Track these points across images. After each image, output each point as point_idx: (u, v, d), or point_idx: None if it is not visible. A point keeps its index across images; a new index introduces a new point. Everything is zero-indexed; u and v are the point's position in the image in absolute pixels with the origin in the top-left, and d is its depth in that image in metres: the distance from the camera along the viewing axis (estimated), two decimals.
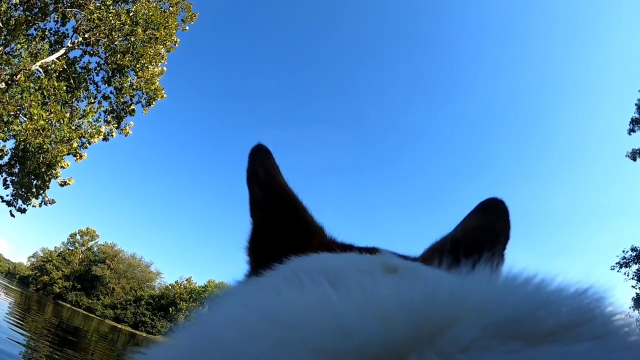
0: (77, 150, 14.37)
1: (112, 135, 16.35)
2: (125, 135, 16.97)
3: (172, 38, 16.83)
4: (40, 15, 14.93)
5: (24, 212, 14.91)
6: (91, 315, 75.14)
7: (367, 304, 0.34)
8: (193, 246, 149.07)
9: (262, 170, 0.82)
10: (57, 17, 15.52)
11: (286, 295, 0.41)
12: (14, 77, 12.37)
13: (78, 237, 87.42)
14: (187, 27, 17.91)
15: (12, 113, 12.14)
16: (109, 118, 16.39)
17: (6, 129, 12.26)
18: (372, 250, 0.71)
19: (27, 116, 12.36)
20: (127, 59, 15.34)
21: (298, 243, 0.73)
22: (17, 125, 12.19)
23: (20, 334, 17.48)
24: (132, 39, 15.13)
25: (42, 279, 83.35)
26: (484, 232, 0.84)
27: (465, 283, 0.38)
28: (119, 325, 73.66)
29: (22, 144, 12.59)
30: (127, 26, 14.86)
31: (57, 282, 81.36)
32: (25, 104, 12.18)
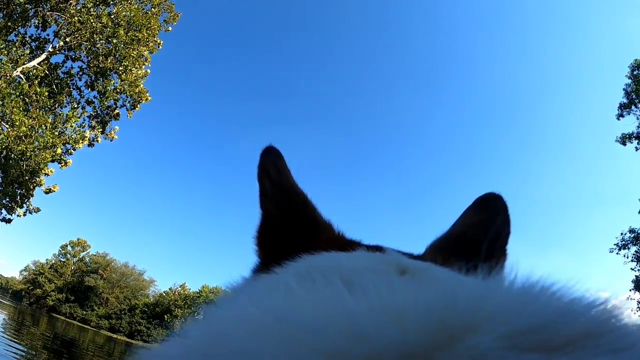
0: (62, 157, 14.12)
1: (97, 141, 16.14)
2: (111, 140, 16.77)
3: (155, 39, 16.64)
4: (20, 20, 14.55)
5: (9, 222, 14.61)
6: (86, 326, 74.61)
7: (383, 306, 0.33)
8: (185, 252, 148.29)
9: (273, 170, 0.82)
10: (38, 22, 15.23)
11: (299, 295, 0.41)
12: None
13: (69, 248, 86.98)
14: (170, 28, 17.75)
15: None
16: (93, 123, 16.13)
17: None
18: (377, 249, 0.71)
19: (9, 123, 12.07)
20: (109, 61, 15.08)
21: (308, 237, 0.74)
22: (5, 140, 11.89)
23: (17, 348, 17.27)
24: (114, 41, 14.87)
25: (35, 292, 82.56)
26: (485, 227, 0.83)
27: (482, 289, 0.38)
28: (115, 335, 73.16)
29: (4, 151, 12.27)
30: (108, 28, 14.60)
31: (50, 294, 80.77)
32: (7, 110, 11.89)
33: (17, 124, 11.90)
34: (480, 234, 0.82)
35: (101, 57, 14.99)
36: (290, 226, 0.78)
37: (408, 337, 0.29)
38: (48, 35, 15.62)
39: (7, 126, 12.14)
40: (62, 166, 14.38)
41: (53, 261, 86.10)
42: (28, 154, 12.31)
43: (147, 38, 15.93)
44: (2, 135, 12.02)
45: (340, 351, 0.28)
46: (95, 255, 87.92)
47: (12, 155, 12.32)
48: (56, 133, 13.14)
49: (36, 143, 12.46)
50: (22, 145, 12.13)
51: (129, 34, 15.14)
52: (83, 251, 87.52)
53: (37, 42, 15.74)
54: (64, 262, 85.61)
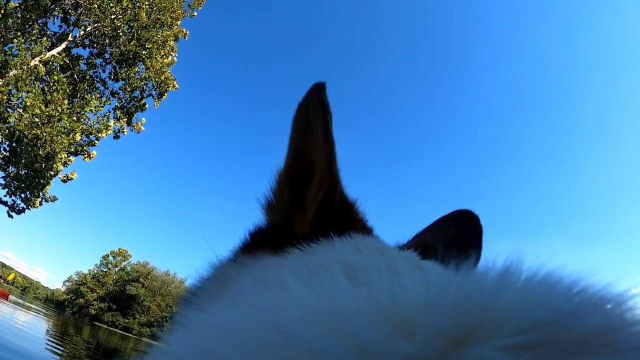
0: (84, 148, 13.29)
1: (123, 132, 15.27)
2: (138, 132, 15.94)
3: (179, 25, 15.77)
4: (39, 12, 13.85)
5: (22, 212, 13.67)
6: (128, 334, 75.14)
7: (386, 312, 0.31)
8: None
9: (321, 125, 0.68)
10: (58, 14, 14.44)
11: (296, 299, 0.37)
12: (8, 70, 11.21)
13: (111, 258, 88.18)
14: (195, 13, 16.82)
15: (4, 103, 11.02)
16: (118, 114, 15.29)
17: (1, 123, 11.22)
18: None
19: (22, 108, 11.30)
20: (131, 45, 14.16)
21: (338, 218, 0.68)
22: (12, 118, 11.15)
23: (60, 356, 16.84)
24: (136, 25, 13.99)
25: (78, 302, 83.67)
26: (456, 245, 0.75)
27: (489, 287, 0.35)
28: (157, 343, 73.31)
29: (17, 134, 11.44)
30: (129, 11, 13.71)
31: (92, 304, 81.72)
32: (21, 93, 11.11)
33: (29, 107, 11.10)
34: (452, 248, 0.66)
35: (122, 40, 14.10)
36: (321, 195, 0.69)
37: (413, 346, 0.27)
38: (68, 29, 14.89)
39: (20, 110, 11.37)
40: (85, 158, 13.59)
41: (95, 271, 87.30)
42: (42, 139, 11.44)
43: (170, 22, 15.07)
44: (14, 119, 11.25)
45: None
46: (136, 264, 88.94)
47: (25, 140, 11.51)
48: (74, 118, 12.29)
49: (50, 128, 11.60)
50: (36, 129, 11.31)
51: (151, 17, 14.28)
52: (124, 260, 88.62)
53: (58, 35, 15.00)
54: (105, 272, 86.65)
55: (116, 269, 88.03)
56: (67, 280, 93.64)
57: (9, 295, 39.89)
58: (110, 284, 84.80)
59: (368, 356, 0.27)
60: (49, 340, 21.10)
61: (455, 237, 0.82)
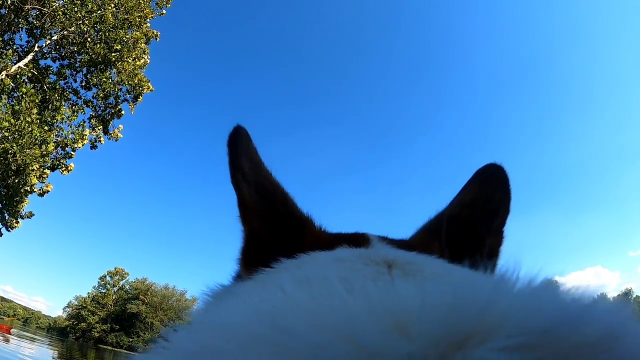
0: (60, 160, 12.67)
1: (100, 142, 14.64)
2: (116, 140, 15.29)
3: (148, 25, 15.19)
4: (4, 28, 13.23)
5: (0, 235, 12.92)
6: (133, 353, 73.00)
7: (383, 313, 0.31)
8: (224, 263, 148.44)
9: (247, 163, 0.74)
10: (22, 26, 13.73)
11: (294, 301, 0.38)
12: None
13: (108, 278, 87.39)
14: (164, 12, 16.20)
15: None
16: (93, 122, 14.59)
17: None
18: (361, 237, 0.71)
19: None
20: (100, 47, 13.47)
21: (290, 239, 0.70)
22: None
23: None
24: (102, 27, 13.30)
25: (80, 327, 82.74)
26: (481, 206, 0.78)
27: (487, 293, 0.35)
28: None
29: None
30: (94, 13, 13.01)
31: (94, 326, 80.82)
32: None
33: None
34: (476, 213, 0.77)
35: (89, 44, 13.40)
36: (274, 237, 0.72)
37: (412, 347, 0.28)
38: (35, 38, 14.14)
39: None
40: (62, 171, 12.96)
41: (94, 293, 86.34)
42: (12, 152, 10.76)
43: (139, 22, 14.44)
44: None
45: None
46: (134, 281, 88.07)
47: None
48: (45, 128, 11.57)
49: (21, 140, 10.90)
50: (5, 144, 10.64)
51: (118, 18, 13.61)
52: (122, 279, 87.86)
53: (24, 47, 14.33)
54: (104, 292, 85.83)
55: (115, 288, 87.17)
56: (67, 306, 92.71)
57: (11, 329, 39.05)
58: (111, 305, 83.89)
59: (367, 356, 0.27)
60: None
61: (479, 196, 0.79)
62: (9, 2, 12.80)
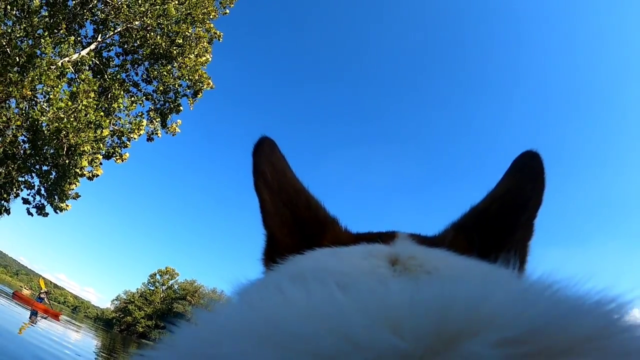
0: (115, 149, 12.76)
1: (157, 134, 14.76)
2: (173, 135, 15.34)
3: (212, 26, 15.28)
4: (69, 18, 13.59)
5: (46, 215, 13.26)
6: None
7: (376, 309, 0.32)
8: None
9: (269, 170, 0.78)
10: (87, 17, 14.12)
11: (290, 297, 0.40)
12: (36, 67, 10.69)
13: (158, 276, 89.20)
14: (227, 11, 16.31)
15: (29, 98, 10.55)
16: (152, 115, 14.80)
17: (24, 117, 10.75)
18: (389, 235, 0.70)
19: (46, 99, 10.85)
20: (162, 39, 13.67)
21: (311, 242, 0.70)
22: (35, 111, 10.66)
23: None
24: (165, 21, 13.43)
25: (126, 320, 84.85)
26: (512, 198, 0.74)
27: (480, 289, 0.36)
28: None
29: (36, 125, 10.92)
30: (158, 7, 13.14)
31: (139, 321, 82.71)
32: (45, 88, 10.62)
33: (53, 100, 10.61)
34: (506, 206, 0.74)
35: (150, 36, 13.56)
36: (295, 238, 0.74)
37: (402, 342, 0.28)
38: (99, 28, 14.57)
39: (43, 104, 10.89)
40: (117, 160, 13.06)
41: (143, 290, 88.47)
42: (64, 132, 10.83)
43: (202, 19, 14.52)
44: (36, 111, 10.77)
45: (333, 358, 0.28)
46: (183, 282, 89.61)
47: (47, 132, 10.95)
48: (101, 113, 11.65)
49: (76, 122, 11.00)
50: (59, 123, 10.75)
51: (181, 12, 13.71)
52: (172, 279, 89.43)
53: (88, 37, 14.78)
54: (153, 290, 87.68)
55: (163, 287, 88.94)
56: (115, 299, 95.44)
57: (60, 315, 40.57)
58: (158, 302, 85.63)
59: (361, 352, 0.28)
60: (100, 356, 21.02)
61: (511, 189, 0.75)
62: None
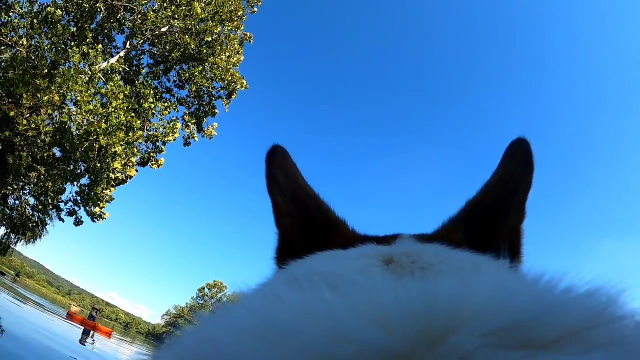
0: (151, 154, 12.46)
1: (193, 138, 14.48)
2: (210, 138, 15.05)
3: (242, 27, 15.12)
4: (97, 29, 13.64)
5: (81, 223, 13.08)
6: None
7: (365, 307, 0.34)
8: None
9: (281, 175, 0.82)
10: (114, 27, 14.12)
11: (283, 298, 0.41)
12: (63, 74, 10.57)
13: (206, 290, 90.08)
14: (255, 9, 16.00)
15: (58, 105, 10.42)
16: (187, 118, 14.58)
17: (51, 120, 10.64)
18: (391, 237, 0.72)
19: (74, 101, 10.73)
20: (190, 38, 13.37)
21: (319, 242, 0.74)
22: (64, 117, 10.51)
23: None
24: (191, 21, 13.17)
25: (175, 334, 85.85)
26: (504, 186, 0.76)
27: (467, 283, 0.37)
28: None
29: (65, 127, 10.73)
30: (183, 7, 12.92)
31: None
32: (72, 93, 10.48)
33: (82, 103, 10.43)
34: (498, 195, 0.75)
35: (179, 35, 13.25)
36: (305, 238, 0.78)
37: (391, 338, 0.29)
38: (126, 36, 14.56)
39: (72, 107, 10.74)
40: (152, 165, 12.75)
41: (192, 304, 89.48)
42: (93, 134, 10.60)
43: (230, 17, 14.23)
44: (65, 114, 10.61)
45: (324, 354, 0.29)
46: (232, 295, 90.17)
47: (77, 134, 10.77)
48: (132, 114, 11.39)
49: (105, 124, 10.78)
50: (90, 127, 10.54)
51: (207, 10, 13.43)
52: (220, 292, 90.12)
53: (116, 44, 14.88)
54: (202, 304, 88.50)
55: (212, 300, 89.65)
56: (165, 314, 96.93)
57: (112, 332, 41.34)
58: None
59: (351, 348, 0.28)
60: None
61: (503, 177, 0.77)
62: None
